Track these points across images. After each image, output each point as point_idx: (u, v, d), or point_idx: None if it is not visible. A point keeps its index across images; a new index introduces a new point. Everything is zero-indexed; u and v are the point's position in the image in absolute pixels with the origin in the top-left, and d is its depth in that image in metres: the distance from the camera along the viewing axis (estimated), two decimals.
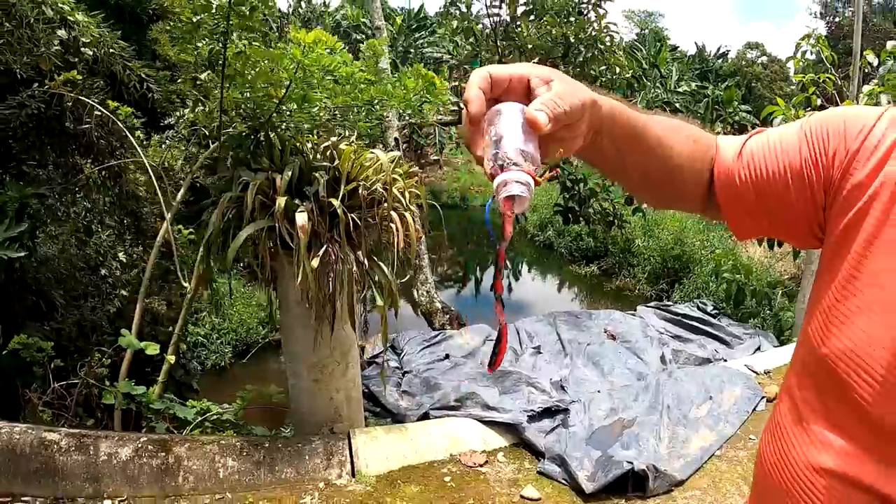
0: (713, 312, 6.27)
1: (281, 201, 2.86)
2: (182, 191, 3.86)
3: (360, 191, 3.04)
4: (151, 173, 3.74)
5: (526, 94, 0.70)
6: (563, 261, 10.22)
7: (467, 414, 3.44)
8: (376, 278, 3.02)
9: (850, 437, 0.69)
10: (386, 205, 3.05)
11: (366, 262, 3.01)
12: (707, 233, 9.20)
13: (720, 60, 22.48)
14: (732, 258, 7.70)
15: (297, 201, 2.97)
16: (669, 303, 6.64)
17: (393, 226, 3.01)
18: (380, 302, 2.95)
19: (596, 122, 0.74)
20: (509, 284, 9.70)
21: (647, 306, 6.33)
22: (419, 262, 6.02)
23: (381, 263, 3.05)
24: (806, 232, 0.81)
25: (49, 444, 2.90)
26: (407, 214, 3.12)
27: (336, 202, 2.90)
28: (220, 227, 3.08)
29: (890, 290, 0.67)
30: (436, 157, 13.26)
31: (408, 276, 3.04)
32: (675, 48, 23.05)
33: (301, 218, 2.83)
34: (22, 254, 3.27)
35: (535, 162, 0.65)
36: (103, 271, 5.02)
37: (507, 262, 0.93)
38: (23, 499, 2.80)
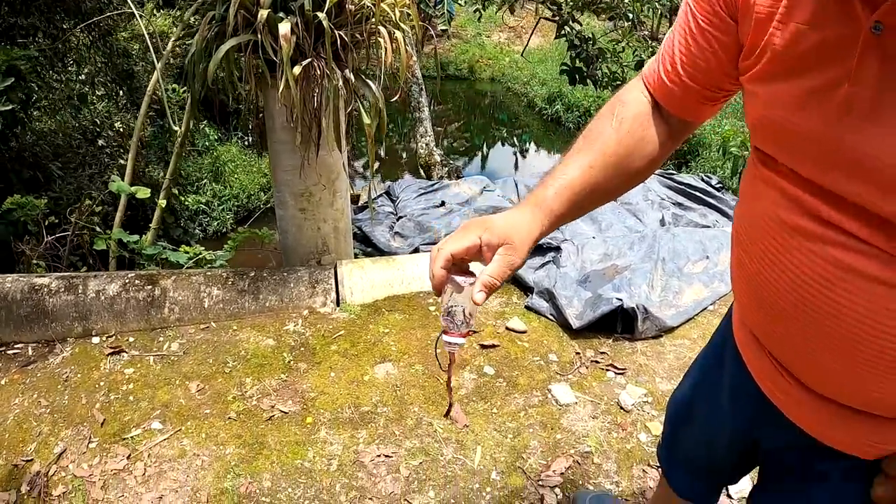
0: (717, 186, 6.08)
1: (263, 13, 2.65)
2: (171, 42, 3.65)
3: (346, 5, 2.81)
4: (141, 25, 3.52)
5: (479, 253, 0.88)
6: (570, 136, 9.94)
7: None
8: (363, 93, 2.83)
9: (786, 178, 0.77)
10: (374, 20, 2.82)
11: (352, 78, 2.81)
12: (720, 119, 8.86)
13: None
14: (742, 136, 7.42)
15: (281, 14, 2.75)
16: (673, 172, 6.43)
17: (381, 41, 2.78)
18: (367, 120, 2.77)
19: (549, 231, 0.92)
20: (515, 161, 9.48)
21: None
22: (419, 114, 5.79)
23: (368, 81, 2.85)
24: None
25: (39, 289, 2.87)
26: (397, 33, 2.89)
27: (322, 15, 2.67)
28: (203, 48, 2.89)
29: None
30: (444, 28, 12.67)
31: (398, 97, 2.82)
32: None
33: (284, 27, 2.63)
34: (9, 107, 3.16)
35: (470, 321, 0.91)
36: (101, 142, 4.93)
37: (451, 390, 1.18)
38: (15, 346, 2.79)
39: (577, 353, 2.89)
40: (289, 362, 2.73)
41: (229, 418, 2.47)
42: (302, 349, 2.81)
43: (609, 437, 2.44)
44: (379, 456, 2.29)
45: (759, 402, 0.97)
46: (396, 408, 2.49)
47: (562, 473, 2.27)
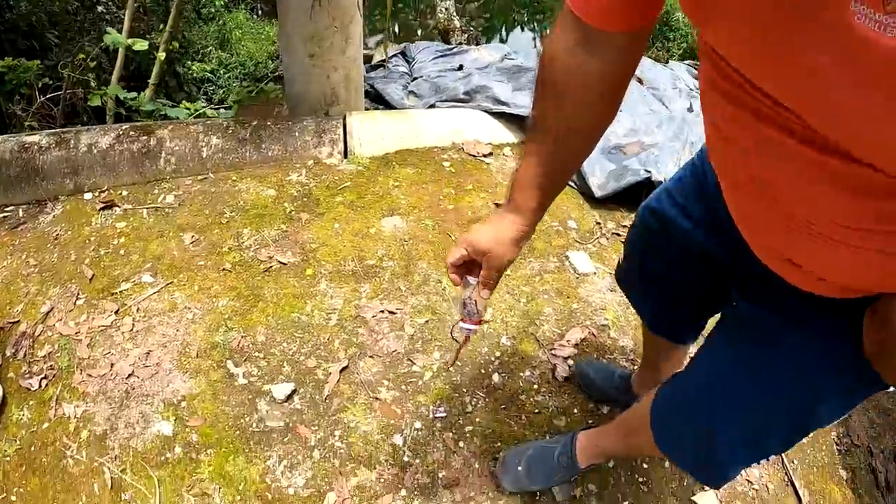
0: None
1: None
2: None
3: None
4: None
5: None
6: None
7: (476, 106, 2.98)
8: None
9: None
10: None
11: None
12: None
13: None
14: None
15: None
16: None
17: None
18: None
19: (533, 222, 1.01)
20: (535, 46, 8.86)
21: (681, 62, 5.65)
22: None
23: None
24: None
25: (29, 147, 2.57)
26: None
27: None
28: None
29: None
30: None
31: None
32: None
33: None
34: None
35: (481, 312, 1.09)
36: (99, 8, 4.52)
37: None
38: (6, 209, 2.53)
39: (598, 223, 2.61)
40: (290, 213, 2.45)
41: (224, 270, 2.22)
42: (305, 200, 2.52)
43: (626, 313, 2.20)
44: (382, 312, 2.05)
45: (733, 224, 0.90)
46: (403, 262, 2.23)
47: (576, 345, 2.04)
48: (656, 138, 3.37)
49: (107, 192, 2.59)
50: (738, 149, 0.71)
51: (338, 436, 1.77)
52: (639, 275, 1.35)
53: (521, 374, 1.93)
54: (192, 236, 2.38)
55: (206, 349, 1.98)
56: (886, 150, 0.53)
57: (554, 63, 0.86)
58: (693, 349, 1.63)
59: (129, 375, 1.92)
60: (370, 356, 1.94)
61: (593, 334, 2.11)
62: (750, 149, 0.68)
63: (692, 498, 1.74)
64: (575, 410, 1.88)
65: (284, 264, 2.25)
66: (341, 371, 1.90)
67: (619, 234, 2.59)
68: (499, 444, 1.76)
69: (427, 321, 2.04)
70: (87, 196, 2.59)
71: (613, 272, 1.64)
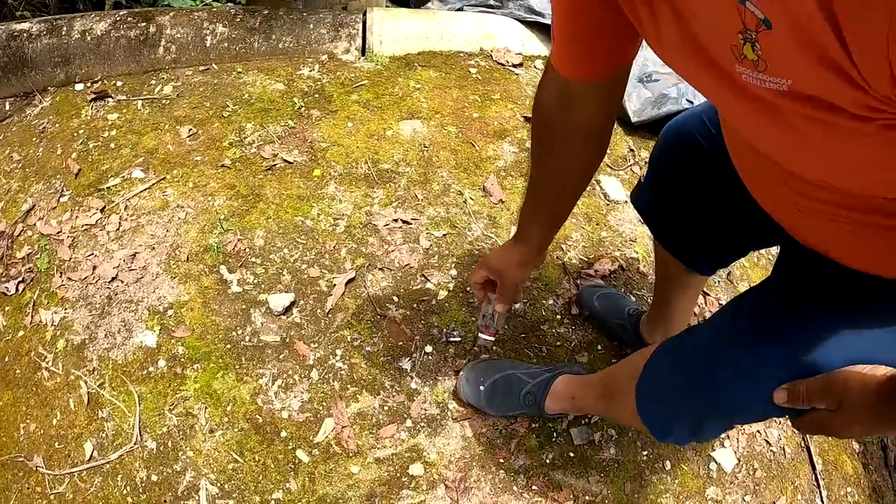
0: None
1: None
2: None
3: None
4: None
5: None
6: None
7: (508, 13, 2.60)
8: None
9: None
10: None
11: None
12: None
13: None
14: None
15: None
16: None
17: None
18: None
19: (537, 251, 1.13)
20: None
21: None
22: None
23: None
24: None
25: (18, 35, 2.19)
26: None
27: None
28: None
29: None
30: None
31: None
32: None
33: None
34: None
35: (499, 323, 1.28)
36: None
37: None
38: None
39: (631, 150, 2.29)
40: (299, 108, 2.12)
41: (222, 166, 1.91)
42: (316, 96, 2.19)
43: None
44: (396, 221, 1.75)
45: None
46: (422, 169, 1.93)
47: (604, 276, 1.76)
48: None
49: (100, 83, 2.25)
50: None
51: (339, 355, 1.51)
52: (659, 193, 1.19)
53: (545, 302, 1.66)
54: (190, 129, 2.06)
55: (198, 252, 1.70)
56: (804, 164, 0.59)
57: (540, 110, 0.92)
58: (723, 299, 1.34)
59: (113, 279, 1.65)
60: (380, 269, 1.66)
61: (622, 267, 1.83)
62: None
63: (711, 453, 1.51)
64: (599, 347, 1.63)
65: (290, 163, 1.94)
66: (347, 283, 1.62)
67: None
68: None
69: (445, 234, 1.75)
70: (79, 87, 2.25)
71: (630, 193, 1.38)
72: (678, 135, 1.07)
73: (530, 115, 2.39)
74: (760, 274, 1.93)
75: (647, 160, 2.25)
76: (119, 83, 2.25)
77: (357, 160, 1.95)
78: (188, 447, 1.42)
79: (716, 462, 1.52)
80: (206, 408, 1.46)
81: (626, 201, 2.04)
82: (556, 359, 1.57)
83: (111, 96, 2.20)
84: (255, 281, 1.65)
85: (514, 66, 2.41)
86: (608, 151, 2.21)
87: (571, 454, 1.44)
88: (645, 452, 1.50)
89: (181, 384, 1.49)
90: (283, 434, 1.42)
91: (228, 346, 1.54)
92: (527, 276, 1.17)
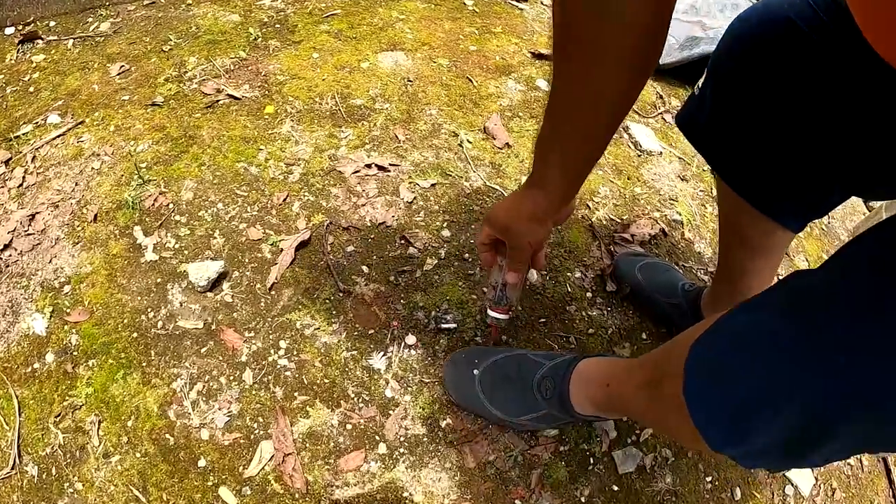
0: None
1: None
2: None
3: None
4: None
5: None
6: None
7: None
8: None
9: None
10: None
11: None
12: None
13: None
14: None
15: None
16: None
17: None
18: None
19: (557, 198, 0.76)
20: None
21: None
22: None
23: None
24: None
25: None
26: None
27: None
28: None
29: None
30: None
31: None
32: None
33: None
34: None
35: (510, 298, 0.90)
36: None
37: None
38: None
39: (660, 97, 1.83)
40: (255, 39, 1.65)
41: (153, 104, 1.46)
42: (277, 27, 1.72)
43: (704, 211, 1.46)
44: (369, 167, 1.29)
45: None
46: (404, 106, 1.46)
47: (643, 242, 1.30)
48: (719, 22, 2.55)
49: (32, 25, 1.77)
50: None
51: (284, 349, 1.05)
52: (725, 106, 0.79)
53: (570, 274, 1.20)
54: (122, 66, 1.61)
55: (110, 210, 1.25)
56: None
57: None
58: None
59: (5, 248, 1.20)
60: (345, 228, 1.20)
61: (664, 231, 1.37)
62: None
63: (787, 474, 1.08)
64: (644, 335, 1.17)
65: (237, 99, 1.47)
66: (298, 248, 1.16)
67: None
68: None
69: (434, 185, 1.29)
70: (9, 31, 1.80)
71: (675, 115, 0.93)
72: (760, 22, 0.72)
73: (538, 52, 1.95)
74: (816, 245, 1.49)
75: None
76: (52, 23, 1.80)
77: (322, 95, 1.47)
78: (76, 476, 0.97)
79: (792, 485, 1.10)
80: (100, 421, 1.01)
81: (661, 152, 1.59)
82: (588, 352, 1.11)
83: (41, 38, 1.74)
84: (177, 246, 1.19)
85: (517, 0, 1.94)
86: None
87: (615, 487, 0.99)
88: (709, 479, 1.06)
89: (72, 386, 1.05)
90: (203, 463, 0.96)
91: (135, 334, 1.08)
92: (544, 235, 0.81)
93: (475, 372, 0.96)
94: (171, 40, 1.70)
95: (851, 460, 1.18)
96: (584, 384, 0.87)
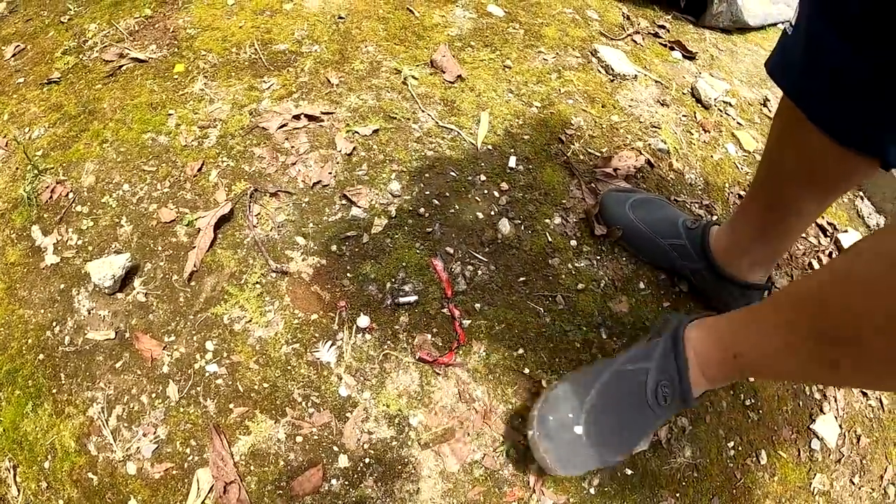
0: None
1: None
2: None
3: None
4: None
5: None
6: None
7: None
8: None
9: None
10: None
11: None
12: None
13: None
14: None
15: None
16: None
17: None
18: None
19: None
20: None
21: None
22: None
23: None
24: None
25: None
26: None
27: None
28: None
29: None
30: None
31: None
32: None
33: None
34: None
35: None
36: None
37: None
38: None
39: (627, 18, 1.59)
40: None
41: (50, 82, 1.20)
42: None
43: (690, 138, 1.25)
44: (297, 118, 1.04)
45: None
46: (336, 46, 1.21)
47: (628, 176, 1.09)
48: None
49: None
50: None
51: (211, 352, 0.83)
52: (824, 35, 0.57)
53: (548, 221, 0.99)
54: (17, 47, 1.35)
55: (5, 212, 1.04)
56: None
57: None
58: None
59: None
60: (272, 194, 0.96)
61: (650, 163, 1.15)
62: None
63: (811, 426, 0.88)
64: (641, 284, 0.96)
65: (143, 62, 1.21)
66: (219, 225, 0.92)
67: (657, 35, 1.57)
68: (523, 357, 0.83)
69: (377, 131, 1.04)
70: None
71: (765, 62, 0.68)
72: None
73: None
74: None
75: (650, 31, 1.58)
76: None
77: (239, 44, 1.21)
78: None
79: (818, 437, 0.91)
80: (15, 466, 0.79)
81: (636, 76, 1.36)
82: (584, 316, 0.90)
83: None
84: (80, 242, 0.95)
85: None
86: (598, 18, 1.53)
87: (628, 471, 0.79)
88: (731, 444, 0.87)
89: None
90: None
91: (41, 356, 0.85)
92: None
93: (577, 430, 0.70)
94: (70, 10, 1.42)
95: (872, 401, 1.00)
96: (709, 359, 0.68)
